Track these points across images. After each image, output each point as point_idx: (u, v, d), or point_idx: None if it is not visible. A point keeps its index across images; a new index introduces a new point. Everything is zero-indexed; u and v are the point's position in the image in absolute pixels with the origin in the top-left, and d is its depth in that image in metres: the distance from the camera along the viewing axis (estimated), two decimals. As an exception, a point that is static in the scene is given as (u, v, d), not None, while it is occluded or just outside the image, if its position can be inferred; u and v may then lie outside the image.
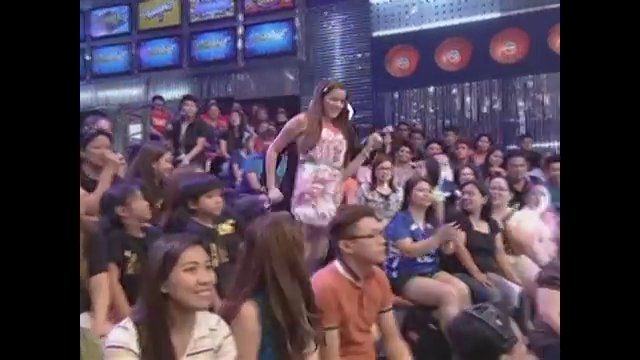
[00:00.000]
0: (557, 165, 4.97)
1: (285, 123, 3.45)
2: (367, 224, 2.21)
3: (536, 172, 5.51)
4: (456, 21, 8.85)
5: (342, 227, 2.24)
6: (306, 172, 3.26)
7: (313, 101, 3.33)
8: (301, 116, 3.35)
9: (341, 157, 3.32)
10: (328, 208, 3.22)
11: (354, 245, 2.20)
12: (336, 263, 2.28)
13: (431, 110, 9.16)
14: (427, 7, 9.10)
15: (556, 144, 8.15)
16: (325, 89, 3.26)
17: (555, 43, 8.29)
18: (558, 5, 8.15)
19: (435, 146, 6.09)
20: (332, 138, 3.27)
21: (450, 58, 8.88)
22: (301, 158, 3.28)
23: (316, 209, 3.22)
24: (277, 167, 3.42)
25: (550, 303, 2.77)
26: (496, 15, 8.66)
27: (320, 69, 9.72)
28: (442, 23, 8.95)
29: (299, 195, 3.26)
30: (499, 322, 1.48)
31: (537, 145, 7.38)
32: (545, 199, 4.21)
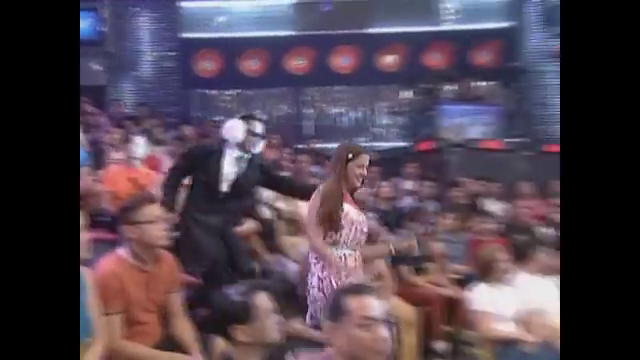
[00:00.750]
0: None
1: (90, 113, 2.92)
2: (150, 211, 2.12)
3: (316, 168, 5.86)
4: (258, 33, 9.00)
5: (126, 213, 2.11)
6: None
7: (332, 167, 2.54)
8: (327, 187, 2.46)
9: (363, 240, 2.55)
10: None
11: (137, 230, 2.07)
12: (121, 249, 2.11)
13: (235, 110, 9.19)
14: (234, 17, 9.11)
15: (335, 145, 8.85)
16: (350, 155, 2.47)
17: (335, 62, 9.00)
18: (344, 31, 8.96)
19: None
20: (362, 219, 2.51)
21: (251, 65, 9.01)
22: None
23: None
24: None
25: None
26: (292, 33, 9.03)
27: (129, 63, 8.99)
28: (246, 33, 9.02)
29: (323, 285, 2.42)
30: (245, 296, 1.54)
31: (320, 145, 7.91)
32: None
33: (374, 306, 1.39)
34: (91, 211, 2.97)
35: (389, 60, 9.01)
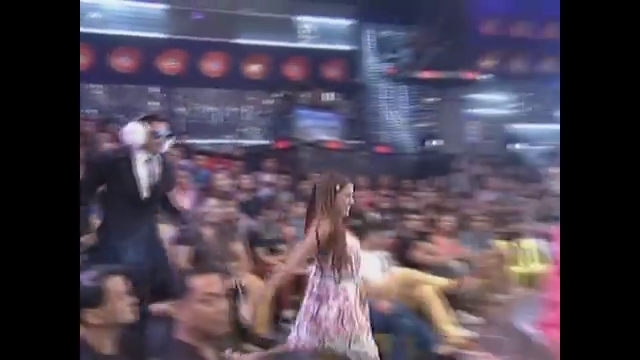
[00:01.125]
0: (200, 157, 5.23)
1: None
2: None
3: (186, 161, 5.60)
4: (131, 33, 8.31)
5: None
6: (350, 291, 2.08)
7: (323, 200, 2.11)
8: (325, 225, 2.08)
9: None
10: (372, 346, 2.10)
11: None
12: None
13: (107, 105, 8.33)
14: (107, 15, 8.32)
15: (206, 141, 8.54)
16: (338, 187, 2.11)
17: (205, 66, 8.66)
18: (214, 39, 8.64)
19: (104, 135, 5.56)
20: (358, 245, 2.19)
21: (123, 62, 8.29)
22: (329, 273, 2.09)
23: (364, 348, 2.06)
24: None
25: (179, 256, 2.87)
26: (164, 36, 8.52)
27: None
28: (119, 32, 8.28)
29: (343, 326, 2.04)
30: (96, 281, 1.44)
31: (191, 141, 7.56)
32: (189, 181, 4.30)
33: (215, 283, 1.37)
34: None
35: (254, 68, 9.06)
